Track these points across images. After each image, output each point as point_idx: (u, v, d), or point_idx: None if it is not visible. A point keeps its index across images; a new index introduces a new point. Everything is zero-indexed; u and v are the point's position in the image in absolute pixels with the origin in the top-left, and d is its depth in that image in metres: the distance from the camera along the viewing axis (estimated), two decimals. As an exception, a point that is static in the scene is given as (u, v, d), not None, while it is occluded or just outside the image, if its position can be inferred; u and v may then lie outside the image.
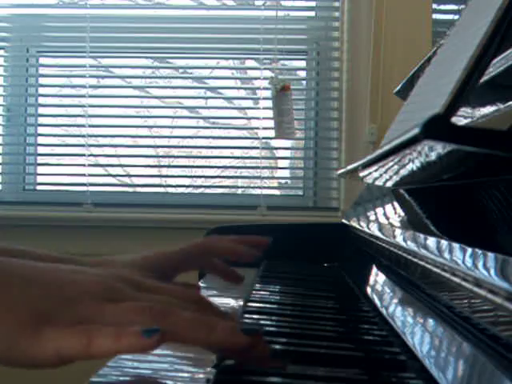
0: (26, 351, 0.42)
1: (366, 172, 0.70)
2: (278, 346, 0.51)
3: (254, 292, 0.79)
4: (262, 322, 0.62)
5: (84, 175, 2.28)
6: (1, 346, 0.42)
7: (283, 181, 2.47)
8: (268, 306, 0.72)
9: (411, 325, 0.53)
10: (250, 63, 2.43)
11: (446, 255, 0.46)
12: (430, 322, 0.49)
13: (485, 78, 0.56)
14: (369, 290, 0.76)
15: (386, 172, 0.63)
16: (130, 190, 2.39)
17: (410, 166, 0.53)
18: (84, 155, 2.29)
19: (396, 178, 0.67)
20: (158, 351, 0.51)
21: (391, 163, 0.55)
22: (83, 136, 2.28)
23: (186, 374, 0.45)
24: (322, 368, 0.45)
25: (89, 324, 0.42)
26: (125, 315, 0.43)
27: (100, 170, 2.36)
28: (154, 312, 0.43)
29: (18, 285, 0.44)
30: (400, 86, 1.12)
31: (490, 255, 0.37)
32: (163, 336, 0.41)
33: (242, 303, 0.72)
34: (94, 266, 0.62)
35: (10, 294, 0.43)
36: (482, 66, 0.42)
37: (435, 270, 0.50)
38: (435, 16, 2.18)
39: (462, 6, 0.66)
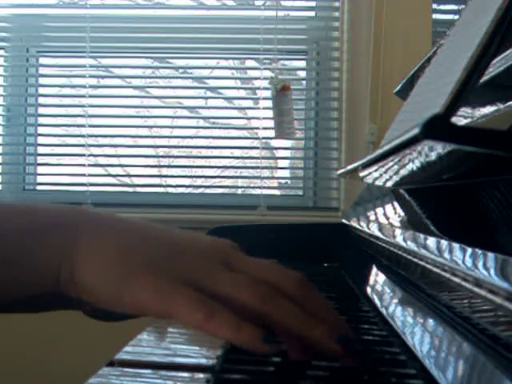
0: (138, 298, 0.42)
1: (366, 172, 0.70)
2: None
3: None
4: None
5: (84, 175, 2.28)
6: (114, 291, 0.42)
7: (283, 181, 2.48)
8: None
9: (411, 325, 0.53)
10: (250, 63, 2.43)
11: (446, 255, 0.46)
12: (430, 321, 0.49)
13: (485, 78, 0.56)
14: (369, 289, 0.76)
15: (386, 172, 0.63)
16: (130, 190, 2.39)
17: (410, 166, 0.53)
18: (84, 155, 2.29)
19: (396, 178, 0.67)
20: (158, 351, 0.51)
21: (391, 163, 0.55)
22: (83, 136, 2.28)
23: (186, 374, 0.45)
24: (322, 368, 0.45)
25: (198, 285, 0.42)
26: (232, 286, 0.43)
27: (100, 170, 2.36)
28: (263, 293, 0.43)
29: (136, 236, 0.45)
30: (400, 86, 1.12)
31: (490, 255, 0.37)
32: (278, 348, 0.42)
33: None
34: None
35: (128, 243, 0.44)
36: (481, 65, 0.42)
37: (435, 270, 0.50)
38: (435, 16, 2.18)
39: (462, 6, 0.66)
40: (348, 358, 0.44)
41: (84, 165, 2.28)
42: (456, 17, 0.69)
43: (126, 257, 0.43)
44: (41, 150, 2.38)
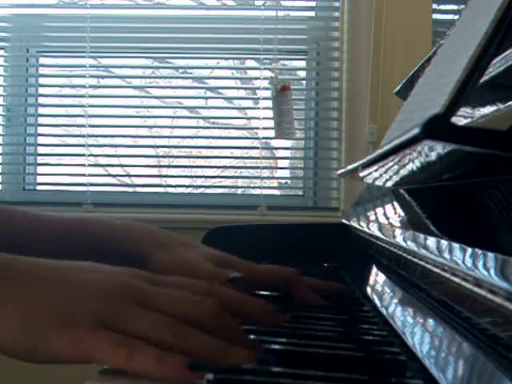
0: (54, 350, 0.42)
1: (366, 172, 0.70)
2: (277, 346, 0.51)
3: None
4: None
5: (84, 175, 2.28)
6: (28, 345, 0.42)
7: (283, 181, 2.48)
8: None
9: (411, 325, 0.53)
10: (250, 63, 2.43)
11: (446, 255, 0.46)
12: (430, 321, 0.49)
13: (485, 78, 0.56)
14: (369, 289, 0.76)
15: (386, 172, 0.63)
16: (130, 189, 2.39)
17: (410, 166, 0.53)
18: (84, 155, 2.29)
19: (396, 178, 0.67)
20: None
21: (391, 163, 0.55)
22: (83, 136, 2.28)
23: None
24: (322, 368, 0.45)
25: (115, 327, 0.42)
26: (149, 327, 0.43)
27: (100, 170, 2.36)
28: (177, 331, 0.44)
29: (39, 285, 0.44)
30: (400, 86, 1.12)
31: (490, 255, 0.37)
32: (206, 372, 0.42)
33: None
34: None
35: (33, 295, 0.44)
36: (481, 65, 0.42)
37: (435, 270, 0.50)
38: (435, 16, 2.18)
39: (462, 6, 0.66)
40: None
41: (84, 165, 2.28)
42: (456, 17, 0.69)
43: (35, 310, 0.43)
44: (41, 150, 2.38)
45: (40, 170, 2.38)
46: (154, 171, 2.40)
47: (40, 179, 2.38)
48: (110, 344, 0.41)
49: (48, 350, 0.42)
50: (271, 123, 2.18)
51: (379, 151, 0.54)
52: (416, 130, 0.37)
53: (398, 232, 0.67)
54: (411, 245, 0.58)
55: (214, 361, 0.44)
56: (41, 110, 2.37)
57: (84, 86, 2.30)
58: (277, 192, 2.40)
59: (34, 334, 0.42)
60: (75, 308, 0.43)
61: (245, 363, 0.44)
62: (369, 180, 0.81)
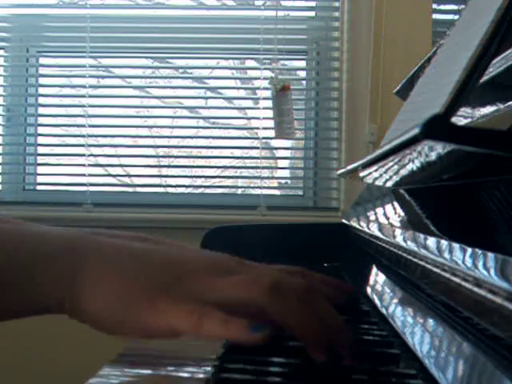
0: (141, 322, 0.45)
1: (366, 172, 0.70)
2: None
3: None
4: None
5: (84, 175, 2.28)
6: (118, 317, 0.45)
7: (283, 181, 2.48)
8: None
9: (411, 325, 0.53)
10: (250, 63, 2.43)
11: (446, 255, 0.46)
12: (430, 322, 0.49)
13: (485, 77, 0.56)
14: (369, 289, 0.76)
15: (386, 172, 0.63)
16: (130, 189, 2.39)
17: (410, 166, 0.53)
18: (84, 155, 2.29)
19: (396, 178, 0.67)
20: (157, 351, 0.51)
21: (391, 163, 0.55)
22: (83, 136, 2.28)
23: (185, 374, 0.45)
24: (322, 368, 0.45)
25: (202, 299, 0.45)
26: (234, 289, 0.46)
27: (100, 170, 2.36)
28: (261, 287, 0.46)
29: (136, 261, 0.48)
30: (400, 86, 1.12)
31: (490, 255, 0.37)
32: (268, 333, 0.44)
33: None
34: None
35: (129, 269, 0.46)
36: (481, 65, 0.42)
37: (435, 270, 0.50)
38: (435, 16, 2.18)
39: (462, 6, 0.66)
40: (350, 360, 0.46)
41: (84, 165, 2.28)
42: (456, 17, 0.69)
43: (128, 285, 0.46)
44: (41, 150, 2.38)
45: (40, 170, 2.38)
46: (154, 171, 2.40)
47: (40, 179, 2.38)
48: (186, 313, 0.44)
49: (136, 321, 0.45)
50: (271, 123, 2.18)
51: (379, 151, 0.54)
52: (416, 130, 0.37)
53: (398, 232, 0.67)
54: (411, 245, 0.58)
55: (305, 329, 0.45)
56: (41, 110, 2.37)
57: (84, 86, 2.30)
58: (277, 192, 2.40)
59: (124, 306, 0.45)
60: (166, 285, 0.46)
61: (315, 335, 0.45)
62: (369, 180, 0.81)
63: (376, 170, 0.64)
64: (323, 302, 0.49)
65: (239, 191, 2.43)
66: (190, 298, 0.45)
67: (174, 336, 0.45)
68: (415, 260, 0.57)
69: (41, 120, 2.37)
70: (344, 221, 1.14)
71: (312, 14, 2.33)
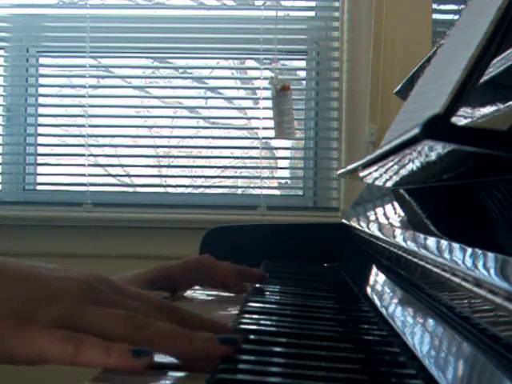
0: (8, 350, 0.41)
1: (366, 172, 0.70)
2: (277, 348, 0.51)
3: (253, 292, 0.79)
4: (262, 321, 0.62)
5: (84, 175, 2.28)
6: None
7: (283, 181, 2.47)
8: (268, 305, 0.72)
9: (411, 325, 0.53)
10: (249, 63, 2.43)
11: (446, 255, 0.46)
12: (430, 322, 0.49)
13: (485, 77, 0.56)
14: (369, 290, 0.76)
15: (386, 172, 0.63)
16: (130, 189, 2.39)
17: (410, 166, 0.53)
18: (84, 155, 2.29)
19: (396, 178, 0.67)
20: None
21: (391, 163, 0.55)
22: (83, 136, 2.28)
23: (186, 374, 0.45)
24: (322, 368, 0.45)
25: (72, 325, 0.42)
26: (107, 321, 0.43)
27: (100, 170, 2.36)
28: (134, 321, 0.44)
29: (3, 280, 0.44)
30: (400, 86, 1.12)
31: (490, 255, 0.37)
32: (151, 359, 0.42)
33: (241, 303, 0.72)
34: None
35: None
36: (481, 65, 0.42)
37: (435, 270, 0.50)
38: (435, 16, 2.18)
39: (462, 6, 0.66)
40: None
41: (84, 165, 2.28)
42: (456, 17, 0.69)
43: None
44: (41, 150, 2.38)
45: (40, 170, 2.38)
46: (154, 171, 2.40)
47: (40, 179, 2.38)
48: (59, 341, 0.41)
49: (2, 350, 0.42)
50: (271, 123, 2.18)
51: (379, 151, 0.54)
52: (416, 130, 0.37)
53: (397, 232, 0.67)
54: (411, 245, 0.58)
55: (178, 347, 0.44)
56: (41, 110, 2.37)
57: (84, 86, 2.30)
58: (277, 192, 2.40)
59: None
60: (30, 309, 0.43)
61: (208, 346, 0.44)
62: (369, 180, 0.81)
63: (376, 170, 0.64)
64: (189, 313, 0.49)
65: (239, 191, 2.43)
66: (59, 322, 0.42)
67: (42, 363, 0.42)
68: (415, 260, 0.57)
69: (41, 120, 2.37)
70: (344, 221, 1.14)
71: (312, 14, 2.33)
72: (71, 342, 0.41)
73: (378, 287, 0.74)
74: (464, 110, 0.64)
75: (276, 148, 2.42)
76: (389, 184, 0.77)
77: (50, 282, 0.45)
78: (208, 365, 0.44)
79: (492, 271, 0.36)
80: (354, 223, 1.03)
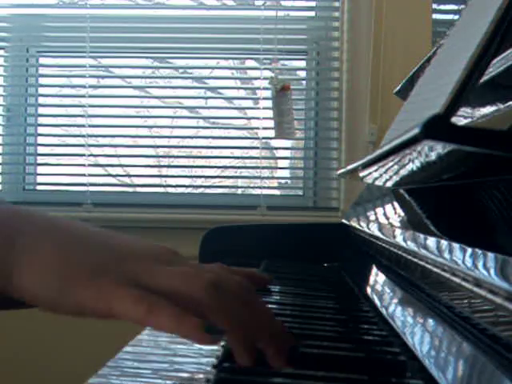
0: (78, 300, 0.42)
1: (366, 172, 0.70)
2: None
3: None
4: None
5: (84, 175, 2.28)
6: (53, 292, 0.43)
7: (283, 181, 2.47)
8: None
9: (411, 325, 0.53)
10: (249, 63, 2.43)
11: (446, 255, 0.46)
12: (430, 322, 0.49)
13: (485, 77, 0.56)
14: (369, 290, 0.76)
15: (386, 172, 0.63)
16: (130, 189, 2.39)
17: (410, 166, 0.53)
18: (84, 155, 2.29)
19: (396, 178, 0.67)
20: (158, 351, 0.51)
21: (391, 163, 0.55)
22: (83, 136, 2.28)
23: (185, 374, 0.45)
24: (322, 368, 0.45)
25: (141, 283, 0.43)
26: (174, 278, 0.44)
27: (100, 170, 2.36)
28: (202, 282, 0.44)
29: (74, 237, 0.46)
30: (400, 86, 1.12)
31: (490, 255, 0.37)
32: (219, 339, 0.42)
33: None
34: None
35: (66, 244, 0.45)
36: (481, 65, 0.42)
37: (435, 270, 0.50)
38: (435, 16, 2.18)
39: (462, 6, 0.66)
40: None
41: (84, 165, 2.28)
42: (456, 17, 0.69)
43: (66, 260, 0.43)
44: (41, 149, 2.38)
45: (40, 170, 2.38)
46: (154, 171, 2.40)
47: (40, 179, 2.38)
48: (132, 298, 0.42)
49: (73, 298, 0.42)
50: (271, 123, 2.18)
51: (379, 151, 0.54)
52: (416, 130, 0.37)
53: (398, 232, 0.67)
54: (411, 245, 0.58)
55: (228, 321, 0.44)
56: (41, 110, 2.37)
57: (84, 86, 2.30)
58: (277, 192, 2.40)
59: (61, 281, 0.42)
60: (105, 264, 0.44)
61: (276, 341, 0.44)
62: (369, 180, 0.81)
63: (376, 170, 0.64)
64: (262, 304, 0.48)
65: (239, 191, 2.43)
66: (130, 280, 0.43)
67: (111, 318, 0.42)
68: (415, 260, 0.57)
69: (41, 120, 2.37)
70: (344, 221, 1.14)
71: (312, 14, 2.33)
72: (145, 302, 0.41)
73: (378, 287, 0.74)
74: (464, 110, 0.64)
75: (276, 148, 2.42)
76: (389, 184, 0.77)
77: (126, 244, 0.47)
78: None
79: (492, 271, 0.36)
80: (354, 223, 1.03)
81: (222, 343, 0.50)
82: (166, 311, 0.41)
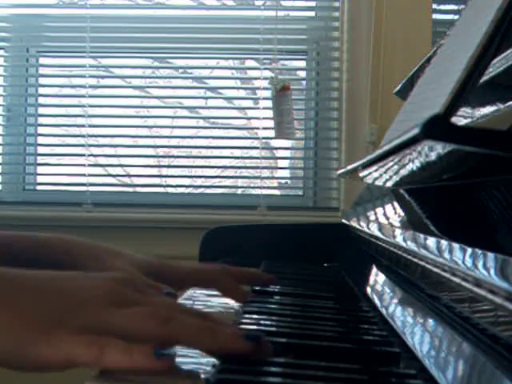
0: (35, 355, 0.43)
1: (366, 172, 0.70)
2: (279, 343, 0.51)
3: (253, 292, 0.79)
4: (262, 321, 0.62)
5: (84, 175, 2.28)
6: (8, 349, 0.43)
7: (283, 181, 2.47)
8: (268, 305, 0.72)
9: (411, 325, 0.53)
10: (249, 63, 2.43)
11: (446, 255, 0.46)
12: (430, 322, 0.49)
13: (485, 77, 0.56)
14: (369, 290, 0.76)
15: (386, 172, 0.63)
16: (130, 189, 2.39)
17: (410, 166, 0.53)
18: (84, 155, 2.29)
19: (396, 178, 0.67)
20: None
21: (391, 163, 0.55)
22: (83, 136, 2.28)
23: (185, 374, 0.45)
24: (322, 368, 0.45)
25: (98, 329, 0.43)
26: (131, 321, 0.45)
27: (100, 170, 2.36)
28: (159, 317, 0.45)
29: (28, 292, 0.46)
30: (400, 86, 1.12)
31: (490, 255, 0.37)
32: (173, 359, 0.43)
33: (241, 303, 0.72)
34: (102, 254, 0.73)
35: (21, 301, 0.45)
36: (481, 65, 0.42)
37: (435, 270, 0.50)
38: (435, 16, 2.17)
39: (462, 6, 0.66)
40: (260, 351, 0.45)
41: (84, 165, 2.28)
42: (456, 17, 0.69)
43: (17, 318, 0.44)
44: (41, 150, 2.38)
45: (40, 170, 2.37)
46: (154, 171, 2.40)
47: (40, 179, 2.38)
48: (84, 345, 0.42)
49: (30, 353, 0.43)
50: (271, 123, 2.18)
51: (379, 151, 0.54)
52: (416, 130, 0.37)
53: (397, 232, 0.67)
54: (411, 245, 0.58)
55: (202, 342, 0.45)
56: (41, 110, 2.37)
57: (84, 86, 2.30)
58: (277, 192, 2.40)
59: (16, 337, 0.43)
60: (59, 314, 0.44)
61: (233, 343, 0.45)
62: (369, 180, 0.81)
63: (376, 170, 0.64)
64: (213, 319, 0.49)
65: (239, 191, 2.43)
66: (85, 328, 0.44)
67: (69, 368, 0.43)
68: (415, 260, 0.57)
69: (41, 120, 2.37)
70: (344, 221, 1.14)
71: (312, 14, 2.33)
72: (95, 346, 0.42)
73: (378, 287, 0.74)
74: (464, 110, 0.64)
75: (276, 148, 2.42)
76: (389, 184, 0.77)
77: (74, 292, 0.47)
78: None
79: (492, 271, 0.36)
80: (354, 223, 1.03)
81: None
82: (116, 348, 0.42)
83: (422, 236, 0.55)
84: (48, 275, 0.49)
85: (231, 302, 0.74)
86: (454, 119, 0.39)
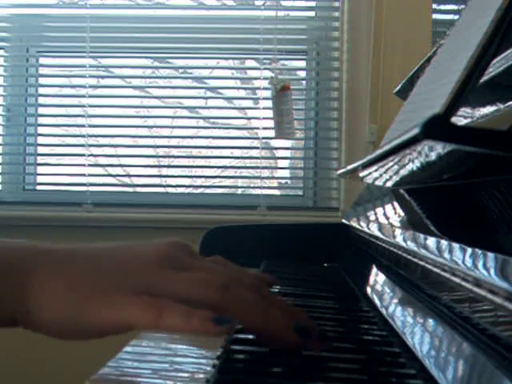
0: (93, 320, 0.43)
1: (366, 172, 0.70)
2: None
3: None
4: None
5: (84, 175, 2.28)
6: (67, 318, 0.44)
7: (283, 181, 2.47)
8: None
9: (411, 325, 0.53)
10: (249, 63, 2.43)
11: (446, 255, 0.46)
12: (430, 322, 0.49)
13: (485, 77, 0.56)
14: (369, 290, 0.76)
15: (386, 172, 0.63)
16: (130, 189, 2.39)
17: (410, 166, 0.53)
18: (84, 155, 2.29)
19: (396, 178, 0.67)
20: (158, 351, 0.51)
21: (391, 163, 0.55)
22: (83, 136, 2.28)
23: (185, 374, 0.45)
24: (322, 368, 0.45)
25: (153, 291, 0.44)
26: (188, 285, 0.45)
27: (100, 170, 2.36)
28: (216, 285, 0.45)
29: (84, 261, 0.47)
30: (400, 86, 1.12)
31: (490, 255, 0.37)
32: (232, 326, 0.43)
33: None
34: None
35: (76, 270, 0.46)
36: (481, 65, 0.42)
37: (435, 270, 0.50)
38: (435, 16, 2.18)
39: (462, 6, 0.66)
40: (310, 345, 0.46)
41: (84, 165, 2.28)
42: (456, 17, 0.69)
43: (75, 284, 0.45)
44: (41, 150, 2.38)
45: (40, 170, 2.38)
46: (154, 171, 2.40)
47: (40, 179, 2.38)
48: (142, 305, 0.43)
49: (88, 320, 0.43)
50: (271, 123, 2.18)
51: (379, 151, 0.54)
52: (416, 130, 0.37)
53: (397, 232, 0.67)
54: (411, 245, 0.58)
55: (253, 322, 0.45)
56: (41, 110, 2.37)
57: (84, 86, 2.30)
58: (277, 192, 2.40)
59: (74, 306, 0.44)
60: (116, 281, 0.45)
61: (283, 332, 0.45)
62: (369, 180, 0.81)
63: (376, 170, 0.64)
64: (275, 296, 0.50)
65: (239, 191, 2.43)
66: (142, 291, 0.44)
67: (128, 331, 0.44)
68: (415, 260, 0.57)
69: (41, 120, 2.37)
70: (344, 221, 1.14)
71: (312, 14, 2.33)
72: (154, 308, 0.43)
73: (378, 287, 0.74)
74: (464, 110, 0.64)
75: (276, 148, 2.42)
76: (389, 184, 0.77)
77: (128, 258, 0.48)
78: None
79: (492, 271, 0.36)
80: (354, 223, 1.03)
81: (221, 344, 0.50)
82: (175, 311, 0.42)
83: (421, 236, 0.55)
84: (99, 246, 0.50)
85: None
86: (454, 119, 0.39)
